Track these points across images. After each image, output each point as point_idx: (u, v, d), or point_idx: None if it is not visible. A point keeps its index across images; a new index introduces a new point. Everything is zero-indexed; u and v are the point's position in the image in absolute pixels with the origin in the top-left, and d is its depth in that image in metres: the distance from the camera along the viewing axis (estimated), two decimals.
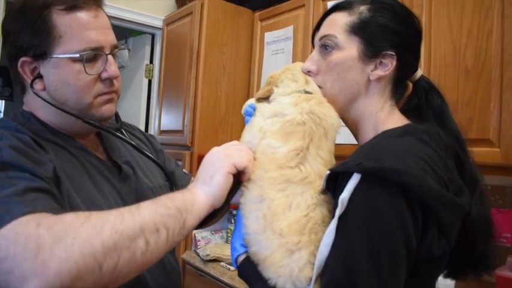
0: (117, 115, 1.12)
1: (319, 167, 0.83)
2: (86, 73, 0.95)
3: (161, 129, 3.19)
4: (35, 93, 0.95)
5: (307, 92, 0.91)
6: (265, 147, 0.86)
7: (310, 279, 0.77)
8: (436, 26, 1.75)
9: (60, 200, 0.82)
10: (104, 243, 0.68)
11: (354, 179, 0.74)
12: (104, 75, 0.98)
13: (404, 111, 0.97)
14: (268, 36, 2.72)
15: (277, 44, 2.64)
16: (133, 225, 0.72)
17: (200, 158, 2.66)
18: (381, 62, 0.91)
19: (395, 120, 0.93)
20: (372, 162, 0.74)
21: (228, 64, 2.86)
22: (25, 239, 0.66)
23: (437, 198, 0.74)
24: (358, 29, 0.91)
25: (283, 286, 0.79)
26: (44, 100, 0.96)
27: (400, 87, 0.96)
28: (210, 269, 2.38)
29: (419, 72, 0.97)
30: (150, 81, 3.47)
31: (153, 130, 3.35)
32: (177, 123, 2.95)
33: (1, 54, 2.59)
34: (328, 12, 0.98)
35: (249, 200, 0.85)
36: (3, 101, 5.75)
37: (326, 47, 0.93)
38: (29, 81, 0.95)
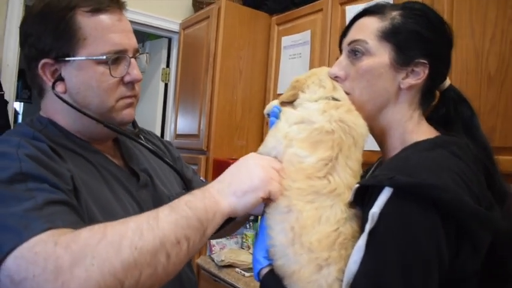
0: (134, 122, 1.11)
1: (348, 178, 0.81)
2: (111, 75, 0.94)
3: (177, 133, 3.19)
4: (57, 95, 0.94)
5: (334, 99, 0.88)
6: (292, 156, 0.83)
7: None
8: (457, 32, 1.71)
9: (80, 212, 0.81)
10: (124, 261, 0.66)
11: (385, 194, 0.72)
12: (127, 78, 0.97)
13: (430, 120, 0.94)
14: (285, 40, 2.70)
15: (294, 48, 2.62)
16: (153, 240, 0.69)
17: (216, 163, 2.68)
18: (412, 70, 0.88)
19: (424, 130, 0.90)
20: (404, 176, 0.71)
21: (244, 68, 2.85)
22: (44, 260, 0.65)
23: (473, 215, 0.71)
24: (390, 35, 0.88)
25: None
26: (66, 102, 0.94)
27: (428, 97, 0.93)
28: (225, 274, 2.36)
29: (448, 82, 0.94)
30: (166, 85, 3.47)
31: (168, 134, 3.36)
32: (192, 128, 2.95)
33: (20, 56, 2.62)
34: (357, 16, 0.95)
35: (275, 210, 0.82)
36: (22, 103, 5.81)
37: (356, 53, 0.90)
38: (50, 83, 0.94)
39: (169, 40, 3.45)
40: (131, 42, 0.99)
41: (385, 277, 0.68)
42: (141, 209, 1.00)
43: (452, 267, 0.72)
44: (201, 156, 2.78)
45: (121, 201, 0.97)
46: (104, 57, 0.92)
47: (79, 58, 0.92)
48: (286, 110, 0.89)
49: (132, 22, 1.04)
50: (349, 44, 0.92)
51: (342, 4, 2.28)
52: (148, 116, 3.45)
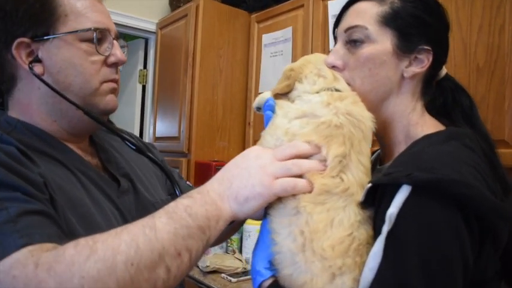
0: (109, 120, 1.03)
1: (360, 175, 0.73)
2: (97, 52, 0.89)
3: (156, 136, 3.10)
4: (35, 75, 0.86)
5: (337, 90, 0.81)
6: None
7: None
8: None
9: (59, 222, 0.73)
10: (119, 279, 0.58)
11: (403, 192, 0.65)
12: (112, 59, 0.93)
13: (427, 111, 0.89)
14: (266, 38, 2.64)
15: (275, 46, 2.56)
16: (151, 254, 0.61)
17: (197, 165, 2.61)
18: (415, 57, 0.83)
19: (429, 122, 0.85)
20: (423, 172, 0.65)
21: (224, 68, 2.78)
22: (24, 286, 0.57)
23: (495, 211, 0.66)
24: (391, 20, 0.82)
25: None
26: (44, 83, 0.87)
27: (429, 87, 0.88)
28: (210, 281, 2.28)
29: (444, 70, 0.90)
30: (144, 87, 3.38)
31: (147, 137, 3.27)
32: (172, 130, 2.87)
33: None
34: (352, 1, 0.88)
35: (281, 211, 0.73)
36: None
37: (355, 40, 0.84)
38: (25, 66, 0.87)
39: (146, 41, 3.36)
40: (112, 24, 0.95)
41: (405, 284, 0.62)
42: (124, 217, 0.92)
43: (476, 268, 0.67)
44: (182, 159, 2.70)
45: (101, 209, 0.88)
46: (92, 28, 0.88)
47: (60, 34, 0.87)
48: (283, 104, 0.81)
49: None
50: (346, 30, 0.86)
51: None
52: (126, 119, 3.35)
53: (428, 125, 0.84)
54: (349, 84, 0.85)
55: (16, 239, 0.61)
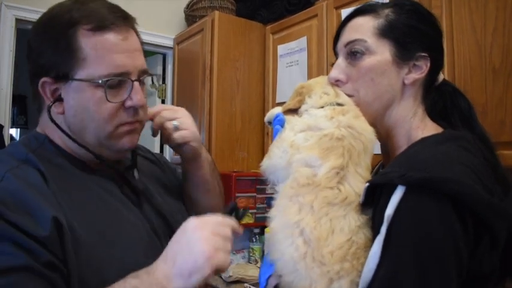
0: (133, 150, 1.06)
1: (359, 185, 0.77)
2: (108, 101, 0.86)
3: None
4: (50, 119, 0.88)
5: (339, 105, 0.86)
6: (304, 169, 0.79)
7: None
8: (458, 27, 1.68)
9: (45, 274, 0.73)
10: None
11: (398, 192, 0.68)
12: (128, 103, 0.90)
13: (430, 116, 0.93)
14: (281, 48, 2.67)
15: (291, 56, 2.59)
16: None
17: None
18: (414, 64, 0.88)
19: (429, 126, 0.88)
20: (417, 172, 0.68)
21: (241, 79, 2.82)
22: None
23: (490, 208, 0.68)
24: (388, 32, 0.87)
25: None
26: (58, 127, 0.89)
27: (429, 92, 0.92)
28: None
29: (442, 76, 0.94)
30: (163, 102, 3.43)
31: (168, 152, 3.31)
32: None
33: (14, 81, 2.59)
34: (348, 18, 0.94)
35: (283, 225, 0.77)
36: (19, 129, 5.77)
37: (355, 53, 0.89)
38: (49, 102, 0.89)
39: (164, 56, 3.42)
40: (136, 63, 0.91)
41: (401, 280, 0.64)
42: (145, 226, 0.95)
43: (471, 264, 0.68)
44: None
45: (123, 223, 0.91)
46: (100, 81, 0.85)
47: (76, 79, 0.86)
48: (291, 118, 0.87)
49: None
50: (346, 45, 0.91)
51: (337, 8, 2.26)
52: (146, 134, 3.40)
53: (429, 129, 0.87)
54: (352, 95, 0.89)
55: None
